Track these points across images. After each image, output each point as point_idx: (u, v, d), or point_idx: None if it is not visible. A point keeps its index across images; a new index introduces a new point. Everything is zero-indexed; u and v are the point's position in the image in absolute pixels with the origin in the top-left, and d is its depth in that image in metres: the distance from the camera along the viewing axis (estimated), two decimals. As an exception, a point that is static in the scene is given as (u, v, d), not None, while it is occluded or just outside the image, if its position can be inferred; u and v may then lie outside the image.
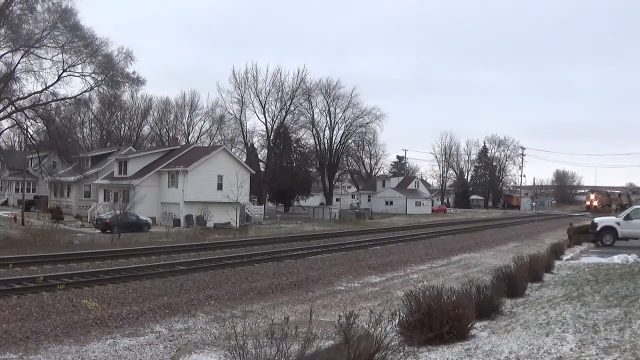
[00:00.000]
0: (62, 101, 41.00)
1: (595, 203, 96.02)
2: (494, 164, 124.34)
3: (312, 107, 78.87)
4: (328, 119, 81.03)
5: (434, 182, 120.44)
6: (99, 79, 41.06)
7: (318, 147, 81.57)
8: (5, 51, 36.89)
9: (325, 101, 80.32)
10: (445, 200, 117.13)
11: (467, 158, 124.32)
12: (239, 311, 14.58)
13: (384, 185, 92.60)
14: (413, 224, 57.84)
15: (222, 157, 50.42)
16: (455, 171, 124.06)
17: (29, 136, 43.80)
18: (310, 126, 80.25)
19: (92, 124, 79.95)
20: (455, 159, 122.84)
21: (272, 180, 71.47)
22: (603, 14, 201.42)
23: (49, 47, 37.53)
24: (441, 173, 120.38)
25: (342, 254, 26.63)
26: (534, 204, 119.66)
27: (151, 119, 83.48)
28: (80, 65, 39.94)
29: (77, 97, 41.69)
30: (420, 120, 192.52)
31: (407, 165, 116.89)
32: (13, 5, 35.65)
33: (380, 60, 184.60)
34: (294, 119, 76.93)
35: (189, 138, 79.99)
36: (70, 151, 47.08)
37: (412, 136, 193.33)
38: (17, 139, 78.71)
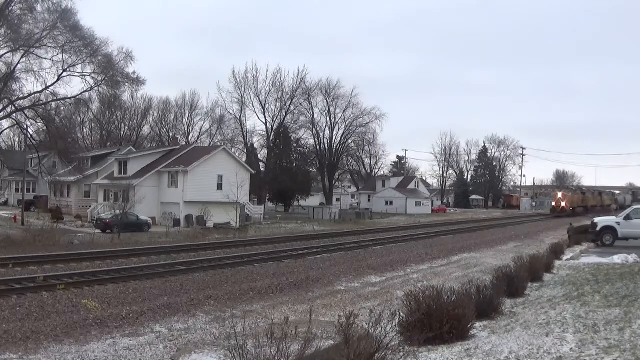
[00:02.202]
0: (62, 101, 41.01)
1: (563, 204, 75.77)
2: (494, 164, 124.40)
3: (312, 107, 79.07)
4: (328, 119, 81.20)
5: (434, 182, 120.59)
6: (99, 79, 41.07)
7: (318, 147, 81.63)
8: (5, 51, 36.90)
9: (325, 101, 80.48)
10: (445, 200, 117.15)
11: (467, 158, 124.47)
12: (239, 311, 14.57)
13: (384, 185, 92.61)
14: (413, 224, 57.83)
15: (222, 157, 50.43)
16: (455, 171, 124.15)
17: (29, 136, 43.81)
18: (310, 126, 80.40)
19: (92, 124, 79.99)
20: (455, 159, 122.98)
21: (272, 180, 71.50)
22: (604, 13, 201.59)
23: (49, 47, 37.54)
24: (441, 173, 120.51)
25: (342, 254, 26.63)
26: (534, 204, 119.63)
27: (151, 119, 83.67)
28: (80, 65, 39.96)
29: (77, 97, 41.70)
30: (420, 120, 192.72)
31: (407, 165, 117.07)
32: (13, 5, 35.67)
33: (380, 60, 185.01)
34: (294, 119, 77.10)
35: (189, 138, 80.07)
36: (70, 151, 47.02)
37: (412, 136, 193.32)
38: (17, 139, 78.87)
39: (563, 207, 75.05)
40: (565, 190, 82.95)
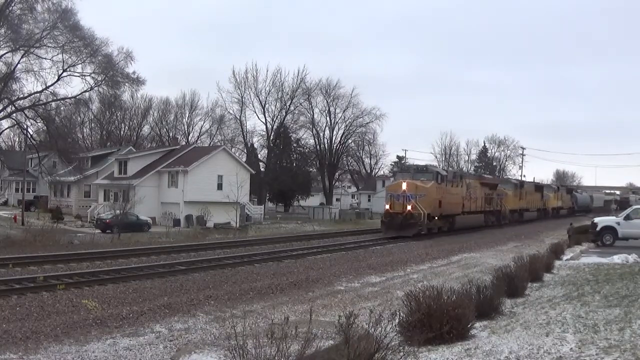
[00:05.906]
0: (62, 101, 41.10)
1: (409, 207, 33.85)
2: (494, 164, 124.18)
3: (312, 107, 79.11)
4: (328, 119, 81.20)
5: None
6: (99, 79, 41.14)
7: (318, 147, 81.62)
8: (5, 51, 36.98)
9: (325, 101, 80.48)
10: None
11: (467, 158, 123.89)
12: (239, 311, 14.56)
13: (384, 185, 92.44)
14: (413, 224, 57.67)
15: (222, 157, 50.49)
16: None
17: (29, 136, 43.90)
18: (310, 126, 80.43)
19: (92, 124, 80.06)
20: (455, 159, 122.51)
21: (272, 180, 71.55)
22: (604, 13, 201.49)
23: (49, 47, 37.63)
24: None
25: (342, 254, 26.61)
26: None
27: (151, 119, 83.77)
28: (80, 65, 40.08)
29: (77, 97, 41.78)
30: (421, 120, 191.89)
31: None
32: (13, 5, 35.72)
33: (380, 60, 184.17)
34: (294, 119, 77.23)
35: (189, 138, 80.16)
36: (70, 151, 47.15)
37: (412, 136, 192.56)
38: (17, 139, 78.95)
39: (409, 212, 34.01)
40: (423, 176, 36.02)
